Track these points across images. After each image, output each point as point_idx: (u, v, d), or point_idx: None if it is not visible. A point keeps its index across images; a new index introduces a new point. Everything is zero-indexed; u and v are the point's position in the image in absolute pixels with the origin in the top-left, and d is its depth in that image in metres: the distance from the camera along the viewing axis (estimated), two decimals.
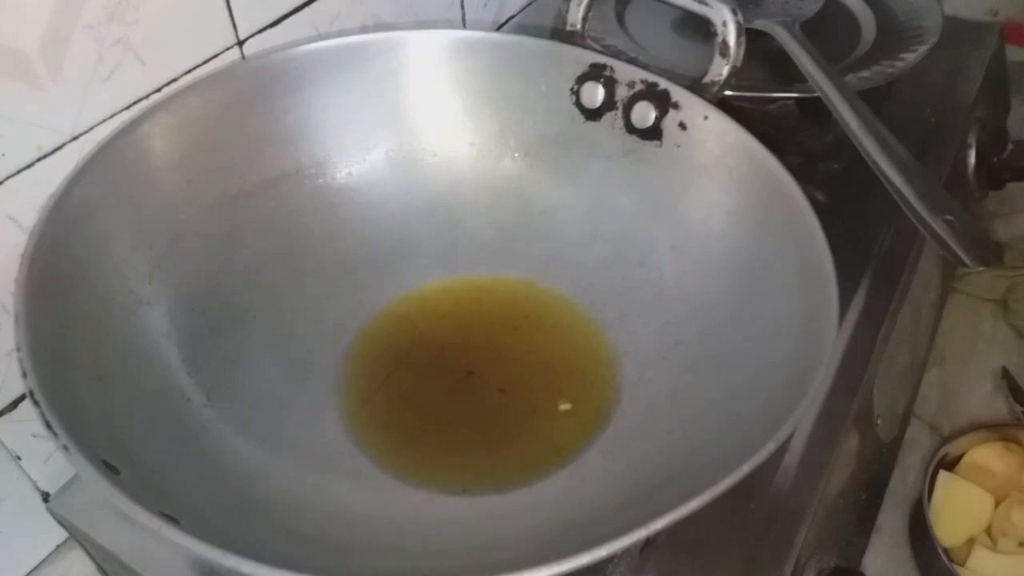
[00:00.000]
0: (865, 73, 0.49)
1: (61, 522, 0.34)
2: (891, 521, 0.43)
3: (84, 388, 0.26)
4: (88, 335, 0.28)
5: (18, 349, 0.25)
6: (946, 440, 0.44)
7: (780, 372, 0.29)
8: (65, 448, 0.23)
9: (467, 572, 0.21)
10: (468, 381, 0.36)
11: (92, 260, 0.31)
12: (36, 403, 0.24)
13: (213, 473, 0.28)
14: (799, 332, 0.29)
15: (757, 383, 0.29)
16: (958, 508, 0.42)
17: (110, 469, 0.23)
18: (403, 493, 0.31)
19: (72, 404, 0.25)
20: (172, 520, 0.22)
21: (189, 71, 0.40)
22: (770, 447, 0.24)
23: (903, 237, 0.45)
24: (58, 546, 0.42)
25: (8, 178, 0.35)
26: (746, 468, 0.23)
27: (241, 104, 0.37)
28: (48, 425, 0.23)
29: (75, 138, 0.37)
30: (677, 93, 0.37)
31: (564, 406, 0.34)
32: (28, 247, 0.28)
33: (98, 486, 0.22)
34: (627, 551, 0.32)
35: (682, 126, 0.37)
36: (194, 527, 0.22)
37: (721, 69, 0.37)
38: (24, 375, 0.24)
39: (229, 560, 0.21)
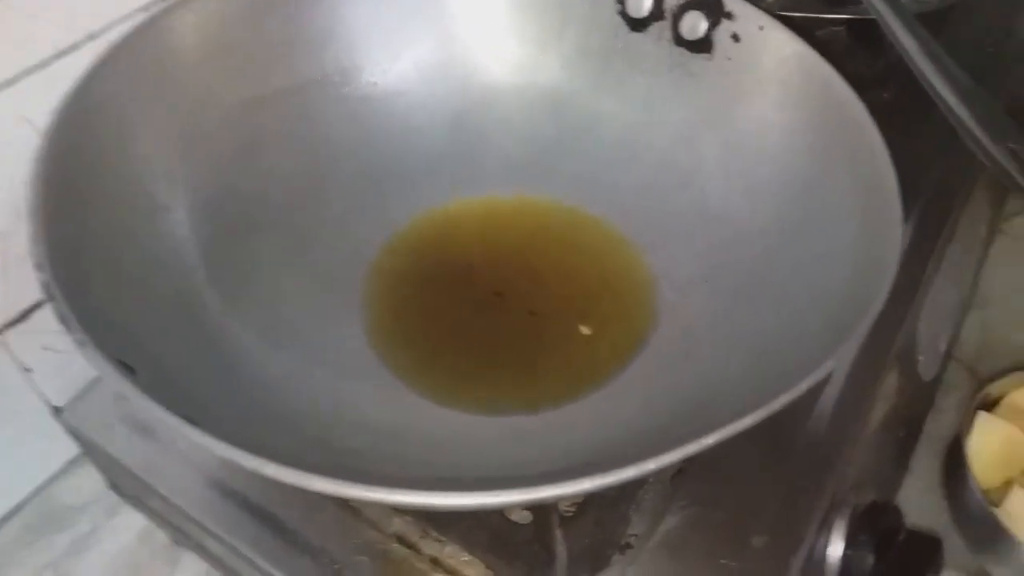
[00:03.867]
0: None
1: (73, 433, 0.33)
2: (923, 461, 0.42)
3: (100, 288, 0.25)
4: (105, 235, 0.27)
5: (34, 243, 0.24)
6: (986, 380, 0.43)
7: (835, 297, 0.27)
8: (80, 343, 0.21)
9: (494, 485, 0.20)
10: (496, 302, 0.34)
11: (109, 159, 0.29)
12: (51, 297, 0.22)
13: (232, 380, 0.27)
14: (857, 256, 0.27)
15: (808, 308, 0.28)
16: (996, 449, 0.40)
17: (126, 368, 0.22)
18: (430, 410, 0.30)
19: (88, 302, 0.23)
20: (191, 421, 0.20)
21: None
22: (829, 364, 0.22)
23: (954, 171, 0.43)
24: (68, 462, 0.41)
25: (24, 75, 0.33)
26: (804, 385, 0.22)
27: (265, 5, 0.34)
28: (63, 319, 0.22)
29: (92, 37, 0.35)
30: (731, 2, 0.34)
31: (585, 330, 0.33)
32: (44, 140, 0.26)
33: (114, 383, 0.21)
34: (657, 477, 0.30)
35: (735, 37, 0.34)
36: (213, 430, 0.20)
37: None
38: (39, 268, 0.23)
39: (251, 462, 0.19)
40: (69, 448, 0.41)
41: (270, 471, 0.19)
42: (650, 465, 0.20)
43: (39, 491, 0.40)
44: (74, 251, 0.25)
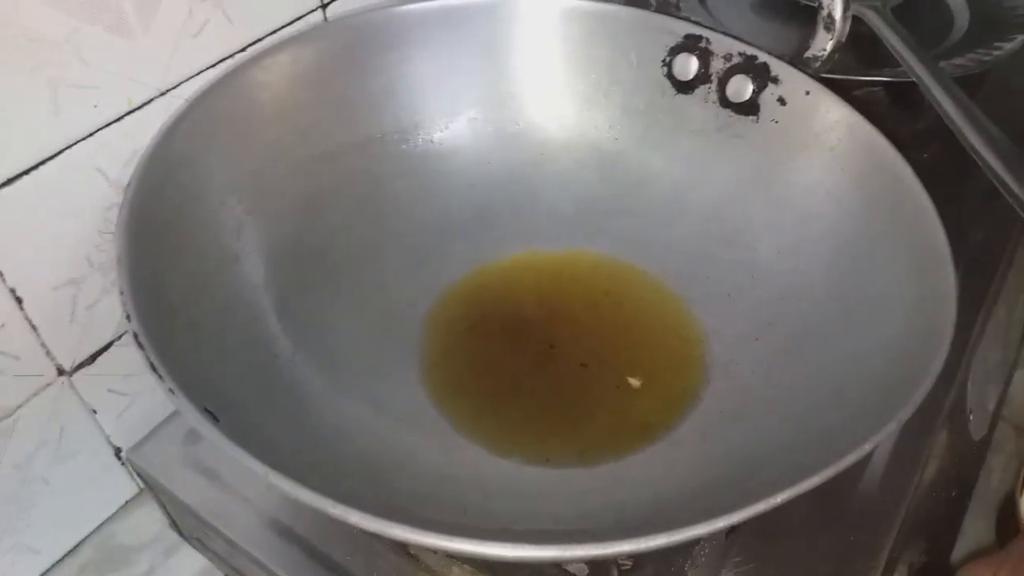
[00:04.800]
0: (959, 60, 0.47)
1: (140, 473, 0.34)
2: (976, 522, 0.41)
3: (181, 337, 0.26)
4: (182, 285, 0.28)
5: (121, 292, 0.25)
6: None
7: (890, 356, 0.27)
8: (171, 392, 0.22)
9: (554, 539, 0.20)
10: (548, 354, 0.35)
11: (184, 212, 0.31)
12: (141, 346, 0.23)
13: (302, 427, 0.28)
14: (909, 315, 0.28)
15: (864, 368, 0.28)
16: None
17: (211, 416, 0.23)
18: (487, 460, 0.30)
19: (172, 350, 0.24)
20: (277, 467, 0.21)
21: (274, 31, 0.40)
22: (892, 426, 0.23)
23: (997, 229, 0.43)
24: (127, 501, 0.42)
25: (99, 130, 0.35)
26: (868, 446, 0.22)
27: (330, 65, 0.36)
28: (153, 368, 0.23)
29: (163, 93, 0.37)
30: (777, 67, 0.35)
31: (635, 382, 0.33)
32: (127, 192, 0.28)
33: (204, 431, 0.22)
34: (713, 535, 0.31)
35: (781, 101, 0.35)
36: (295, 476, 0.21)
37: (825, 43, 0.36)
38: (128, 318, 0.24)
39: (336, 509, 0.20)
40: (128, 489, 0.42)
41: (353, 519, 0.20)
42: (720, 523, 0.21)
43: (98, 530, 0.40)
44: (157, 301, 0.26)
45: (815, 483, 0.21)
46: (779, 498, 0.21)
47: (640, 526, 0.20)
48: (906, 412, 0.23)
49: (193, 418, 0.22)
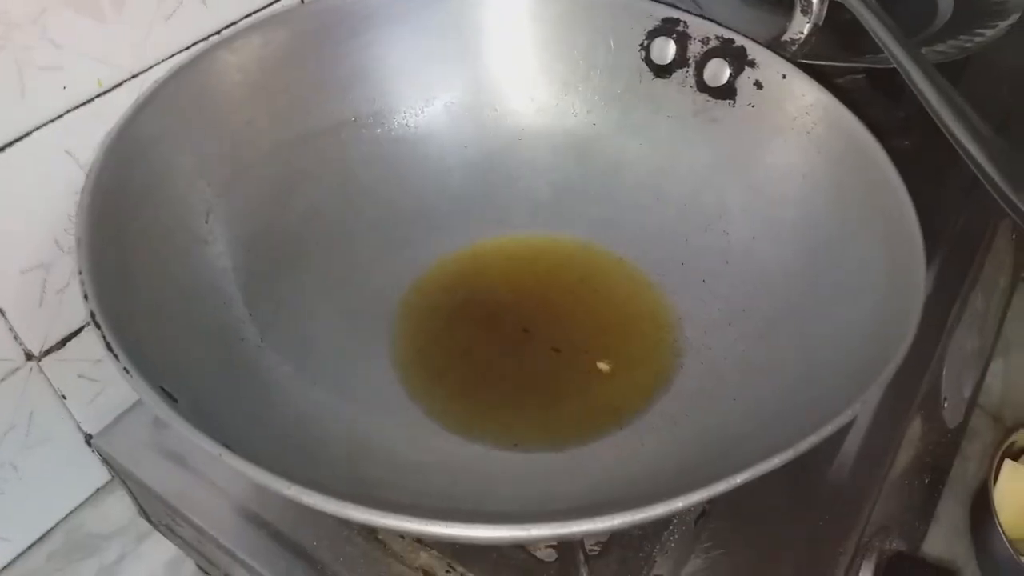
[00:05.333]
0: (940, 47, 0.46)
1: (107, 460, 0.33)
2: (949, 509, 0.41)
3: (142, 318, 0.26)
4: (146, 267, 0.28)
5: (80, 272, 0.24)
6: (1012, 429, 0.42)
7: (860, 341, 0.27)
8: (126, 371, 0.22)
9: (526, 519, 0.20)
10: (522, 339, 0.35)
11: (151, 194, 0.30)
12: (98, 325, 0.23)
13: (267, 412, 0.28)
14: (881, 298, 0.28)
15: (834, 353, 0.28)
16: (1023, 499, 0.40)
17: (168, 396, 0.22)
18: (456, 445, 0.30)
19: (131, 331, 0.24)
20: (231, 448, 0.21)
21: (248, 15, 0.40)
22: (856, 407, 0.22)
23: (976, 218, 0.43)
24: (98, 489, 0.42)
25: (68, 112, 0.35)
26: (832, 427, 0.22)
27: (303, 47, 0.36)
28: (109, 347, 0.22)
29: (134, 76, 0.37)
30: (754, 50, 0.35)
31: (604, 367, 0.33)
32: (91, 173, 0.27)
33: (157, 409, 0.21)
34: (681, 519, 0.30)
35: (758, 85, 0.35)
36: (251, 458, 0.21)
37: (802, 27, 0.35)
38: (85, 297, 0.24)
39: (291, 490, 0.20)
40: (98, 476, 0.41)
41: (307, 499, 0.20)
42: (678, 503, 0.20)
43: (68, 518, 0.40)
44: (118, 282, 0.26)
45: (776, 464, 0.21)
46: (739, 479, 0.20)
47: (603, 507, 0.20)
48: (873, 392, 0.23)
49: (148, 397, 0.21)
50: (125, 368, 0.22)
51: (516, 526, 0.20)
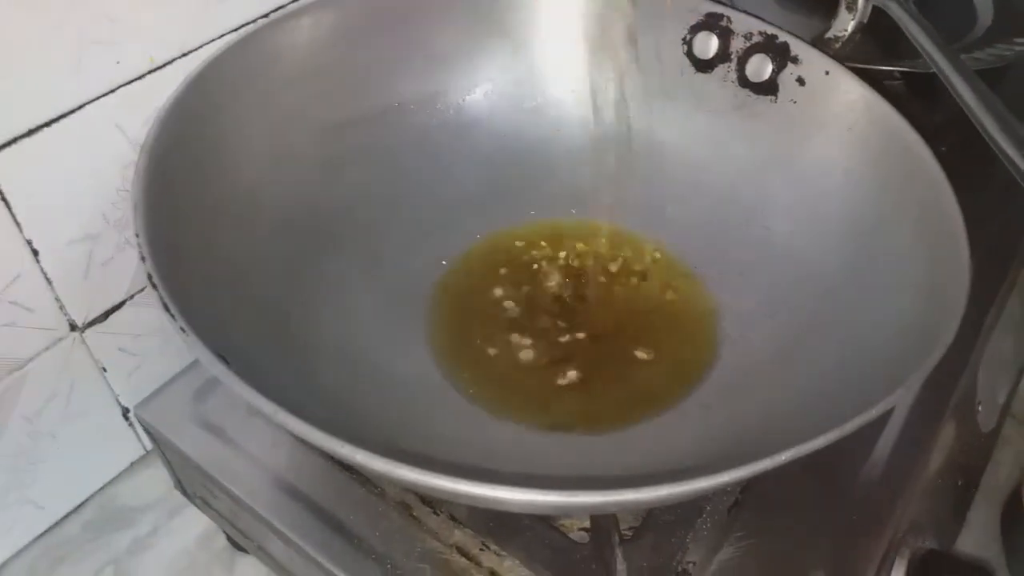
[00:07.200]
0: (979, 55, 0.46)
1: (147, 429, 0.34)
2: (981, 514, 0.41)
3: (194, 284, 0.26)
4: (197, 237, 0.28)
5: (136, 235, 0.25)
6: None
7: (900, 333, 0.27)
8: (183, 330, 0.22)
9: (558, 485, 0.20)
10: (558, 325, 0.35)
11: (200, 168, 0.31)
12: (155, 286, 0.23)
13: (311, 383, 0.28)
14: (922, 293, 0.28)
15: (873, 346, 0.28)
16: None
17: (222, 359, 0.23)
18: (491, 425, 0.30)
19: (184, 296, 0.25)
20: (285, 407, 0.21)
21: None
22: (900, 394, 0.23)
23: (1014, 223, 0.43)
24: (133, 463, 0.42)
25: (120, 87, 0.35)
26: (874, 411, 0.22)
27: (351, 30, 0.36)
28: (166, 307, 0.23)
29: (185, 54, 0.37)
30: (797, 46, 0.35)
31: (643, 355, 0.33)
32: (147, 141, 0.28)
33: (214, 370, 0.22)
34: (716, 509, 0.30)
35: (800, 81, 0.35)
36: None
37: (846, 24, 0.36)
38: (143, 259, 0.24)
39: (344, 448, 0.20)
40: (133, 450, 0.42)
41: (360, 458, 0.20)
42: (724, 477, 0.20)
43: (103, 490, 0.41)
44: (171, 249, 0.26)
45: (820, 444, 0.21)
46: (784, 456, 0.20)
47: (648, 478, 0.20)
48: (916, 379, 0.23)
49: (204, 357, 0.22)
50: (182, 328, 0.22)
51: (564, 492, 0.20)
